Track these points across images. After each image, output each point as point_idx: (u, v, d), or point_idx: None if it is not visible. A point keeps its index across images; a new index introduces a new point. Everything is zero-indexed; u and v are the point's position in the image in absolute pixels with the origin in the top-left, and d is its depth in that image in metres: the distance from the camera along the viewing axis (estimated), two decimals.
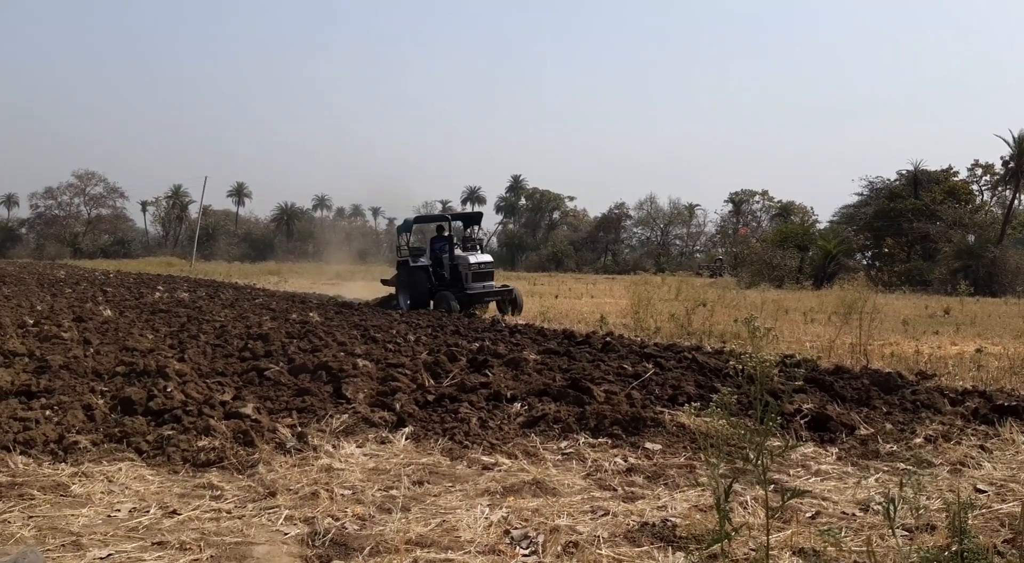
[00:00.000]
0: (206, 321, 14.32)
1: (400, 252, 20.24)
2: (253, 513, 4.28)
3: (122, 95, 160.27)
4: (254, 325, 13.52)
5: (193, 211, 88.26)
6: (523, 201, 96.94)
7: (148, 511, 4.28)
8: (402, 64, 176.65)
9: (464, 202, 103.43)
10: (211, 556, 3.68)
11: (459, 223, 21.16)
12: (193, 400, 6.71)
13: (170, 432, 5.77)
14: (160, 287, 26.02)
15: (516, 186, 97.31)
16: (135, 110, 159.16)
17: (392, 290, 20.61)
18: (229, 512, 4.31)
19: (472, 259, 18.43)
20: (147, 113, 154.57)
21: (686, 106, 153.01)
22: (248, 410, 6.31)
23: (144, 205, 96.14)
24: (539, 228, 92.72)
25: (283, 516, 4.21)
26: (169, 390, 6.94)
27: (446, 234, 19.85)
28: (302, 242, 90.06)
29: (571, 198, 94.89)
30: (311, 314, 16.02)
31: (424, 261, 19.19)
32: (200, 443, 5.48)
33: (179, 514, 4.24)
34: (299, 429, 5.96)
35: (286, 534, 3.98)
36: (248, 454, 5.32)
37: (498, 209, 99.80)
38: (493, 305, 19.06)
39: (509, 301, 18.55)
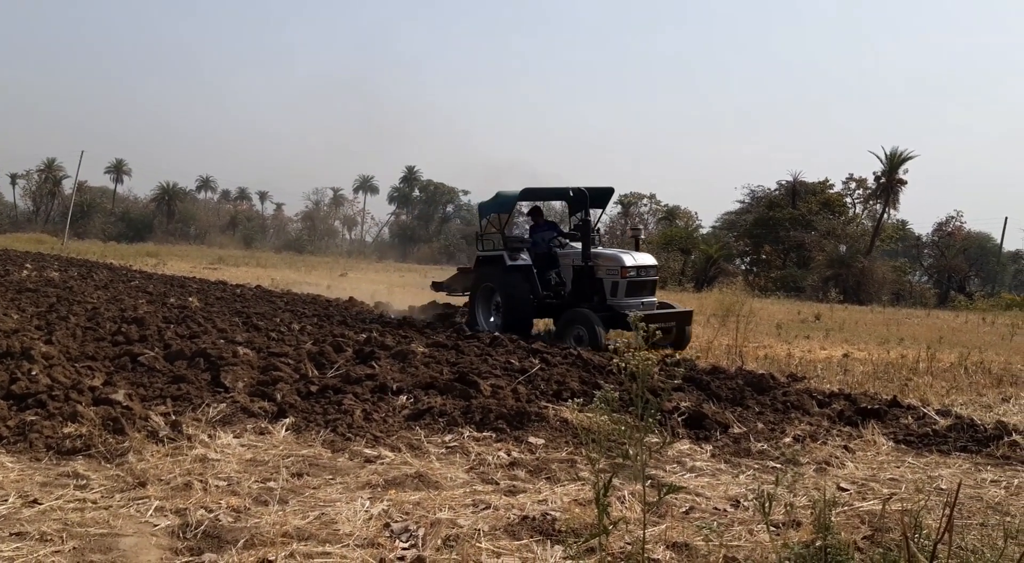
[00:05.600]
0: (77, 302, 13.65)
1: (482, 244, 13.69)
2: (121, 504, 4.11)
3: None
4: (129, 308, 12.97)
5: (67, 186, 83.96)
6: (417, 192, 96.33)
7: (6, 500, 4.05)
8: (290, 48, 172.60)
9: (356, 191, 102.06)
10: (74, 548, 3.51)
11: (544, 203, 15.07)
12: (60, 384, 6.38)
13: (33, 417, 5.47)
14: (28, 265, 24.62)
15: (410, 177, 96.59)
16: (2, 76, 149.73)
17: (443, 297, 15.64)
18: (95, 502, 4.12)
19: (627, 260, 12.00)
20: (18, 80, 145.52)
21: (581, 108, 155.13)
22: (119, 396, 6.05)
23: (14, 178, 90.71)
24: (432, 220, 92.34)
25: (153, 507, 4.05)
26: (34, 373, 6.58)
27: (548, 219, 14.45)
28: (183, 224, 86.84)
29: (465, 192, 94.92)
30: (190, 299, 15.49)
31: (525, 259, 12.80)
32: (66, 430, 5.22)
33: (40, 504, 4.04)
34: (173, 417, 5.74)
35: (155, 526, 3.84)
36: (118, 442, 5.11)
37: (391, 199, 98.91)
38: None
39: (676, 329, 12.03)
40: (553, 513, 4.18)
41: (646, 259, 12.34)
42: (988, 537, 3.95)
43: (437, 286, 15.51)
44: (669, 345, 11.60)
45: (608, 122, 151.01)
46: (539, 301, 12.43)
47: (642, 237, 13.72)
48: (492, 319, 12.99)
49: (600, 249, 12.80)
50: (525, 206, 15.16)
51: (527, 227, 14.31)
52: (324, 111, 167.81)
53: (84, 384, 6.43)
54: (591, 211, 13.54)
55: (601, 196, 13.64)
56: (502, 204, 13.41)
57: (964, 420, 6.94)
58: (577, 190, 13.13)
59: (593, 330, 11.11)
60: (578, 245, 12.52)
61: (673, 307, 12.60)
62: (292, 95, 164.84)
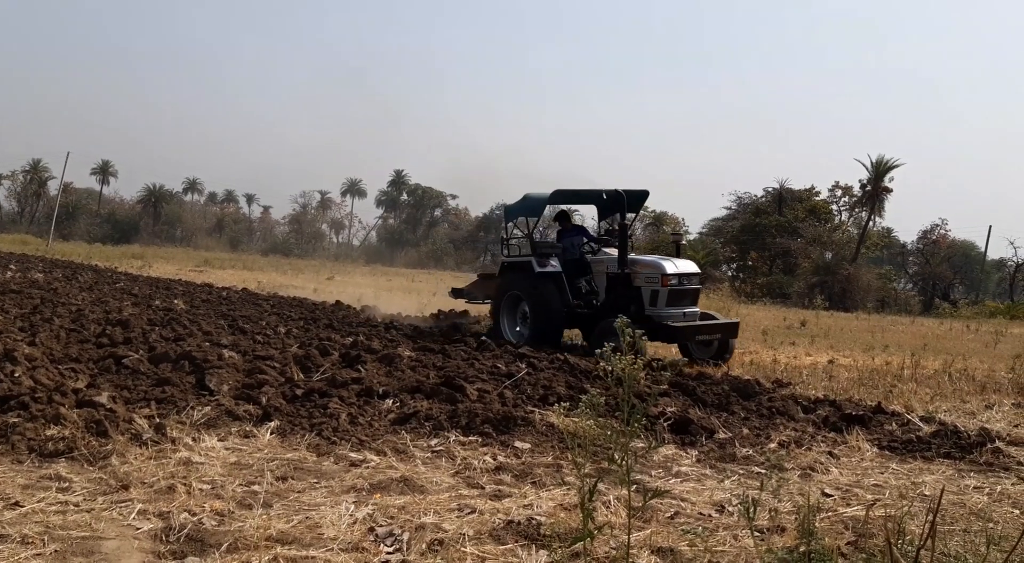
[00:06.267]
0: (61, 304, 13.56)
1: (507, 248, 13.13)
2: (103, 506, 4.08)
3: None
4: (114, 310, 12.90)
5: (53, 187, 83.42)
6: (405, 196, 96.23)
7: None
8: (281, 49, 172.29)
9: (344, 194, 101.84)
10: (55, 551, 3.48)
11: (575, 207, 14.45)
12: (43, 386, 6.34)
13: (16, 419, 5.42)
14: (12, 266, 24.44)
15: (399, 180, 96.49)
16: None
17: (463, 303, 15.13)
18: (77, 505, 4.09)
19: (669, 267, 11.22)
20: (3, 80, 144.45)
21: (571, 118, 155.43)
22: (103, 399, 6.00)
23: None
24: (420, 225, 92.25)
25: (136, 510, 4.03)
26: (17, 375, 6.53)
27: (576, 223, 13.65)
28: (169, 226, 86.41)
29: (453, 196, 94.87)
30: (176, 301, 15.42)
31: (555, 266, 12.08)
32: (49, 432, 5.17)
33: (22, 506, 4.00)
34: (157, 420, 5.71)
35: (138, 529, 3.81)
36: (101, 445, 5.07)
37: (379, 203, 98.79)
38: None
39: (720, 342, 11.51)
40: (538, 517, 4.18)
41: (688, 266, 11.56)
42: (971, 543, 3.97)
43: (457, 293, 14.84)
44: (712, 358, 11.17)
45: (592, 124, 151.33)
46: (569, 311, 11.74)
47: (683, 242, 12.90)
48: (518, 329, 12.31)
49: (637, 255, 12.05)
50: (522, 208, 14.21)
51: (557, 232, 13.54)
52: (314, 112, 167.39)
53: (68, 386, 6.38)
54: (615, 215, 12.93)
55: (635, 199, 12.76)
56: (530, 207, 12.69)
57: (948, 427, 6.98)
58: (613, 192, 12.38)
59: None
60: (612, 251, 11.88)
61: (716, 317, 11.92)
62: (282, 96, 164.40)
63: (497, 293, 12.68)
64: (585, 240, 12.81)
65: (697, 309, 11.61)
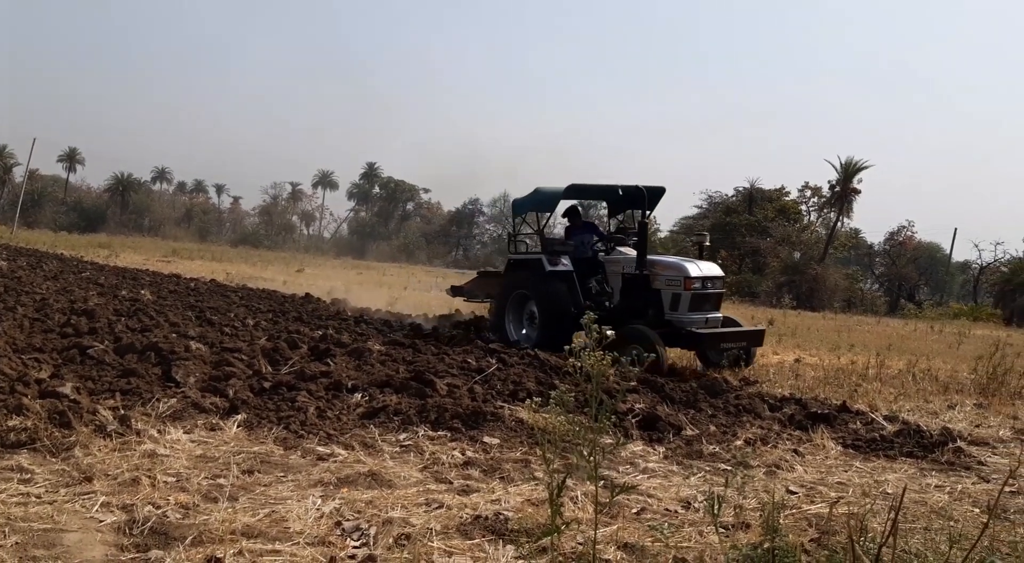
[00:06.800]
0: (25, 293, 13.33)
1: (515, 245, 12.54)
2: (66, 498, 4.02)
3: None
4: (79, 300, 12.72)
5: (18, 174, 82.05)
6: (377, 189, 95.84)
7: None
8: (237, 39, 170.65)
9: (315, 186, 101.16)
10: (16, 543, 3.43)
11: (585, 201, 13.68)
12: (5, 376, 6.22)
13: None
14: None
15: (371, 173, 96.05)
16: None
17: (465, 303, 14.59)
18: (39, 497, 4.03)
19: (692, 269, 10.52)
20: None
21: (541, 112, 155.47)
22: (67, 389, 5.91)
23: None
24: (391, 218, 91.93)
25: (99, 502, 3.97)
26: None
27: (585, 220, 13.02)
28: (137, 215, 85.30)
29: (426, 190, 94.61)
30: (143, 292, 15.23)
31: (566, 265, 11.44)
32: (10, 423, 5.08)
33: None
34: (122, 412, 5.63)
35: (101, 521, 3.76)
36: (64, 436, 4.99)
37: (350, 195, 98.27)
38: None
39: (743, 350, 10.95)
40: (506, 513, 4.18)
41: (712, 269, 10.86)
42: (932, 541, 4.04)
43: (456, 291, 14.18)
44: (732, 366, 10.61)
45: (565, 124, 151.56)
46: (581, 312, 10.65)
47: (707, 243, 12.23)
48: (524, 331, 11.66)
49: (657, 256, 11.46)
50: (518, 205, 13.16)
51: (566, 229, 12.80)
52: (285, 102, 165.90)
53: (30, 376, 6.28)
54: (626, 212, 12.59)
55: (653, 196, 11.87)
56: (542, 202, 12.03)
57: (911, 426, 7.08)
58: (633, 188, 11.82)
59: (655, 350, 9.22)
60: (627, 250, 11.36)
61: (739, 324, 11.22)
62: (253, 86, 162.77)
63: (503, 292, 11.99)
64: (596, 238, 12.19)
65: (720, 315, 10.93)
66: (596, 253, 11.84)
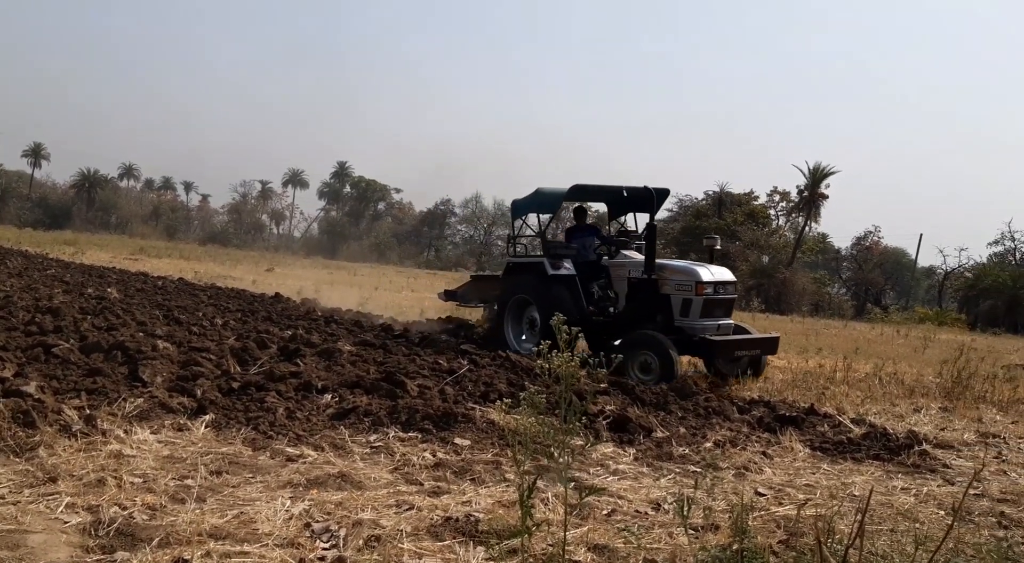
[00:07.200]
0: None
1: (513, 247, 12.11)
2: (30, 499, 3.95)
3: None
4: (44, 298, 12.53)
5: None
6: (348, 189, 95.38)
7: None
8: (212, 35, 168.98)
9: (285, 185, 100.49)
10: None
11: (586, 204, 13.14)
12: None
13: None
14: None
15: (342, 172, 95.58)
16: None
17: (457, 307, 14.29)
18: (3, 497, 3.96)
19: (704, 274, 10.17)
20: None
21: (517, 114, 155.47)
22: (30, 388, 5.81)
23: None
24: (363, 218, 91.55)
25: (64, 503, 3.91)
26: None
27: (588, 222, 12.65)
28: (104, 212, 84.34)
29: (397, 190, 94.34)
30: (109, 290, 15.04)
31: (569, 268, 11.06)
32: None
33: None
34: (88, 412, 5.54)
35: (66, 523, 3.70)
36: (28, 436, 4.90)
37: (321, 195, 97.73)
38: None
39: (752, 359, 10.47)
40: (477, 514, 4.17)
41: (724, 274, 10.48)
42: (898, 543, 4.09)
43: (449, 295, 13.79)
44: (741, 374, 10.15)
45: (531, 126, 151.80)
46: (583, 318, 10.38)
47: (717, 247, 11.84)
48: (524, 337, 11.30)
49: (670, 261, 11.22)
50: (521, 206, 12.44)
51: (566, 231, 12.39)
52: (255, 98, 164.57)
53: None
54: (628, 216, 12.26)
55: (659, 197, 11.32)
56: (544, 203, 11.59)
57: (877, 429, 7.17)
58: (642, 189, 11.31)
59: (667, 357, 9.10)
60: (632, 254, 11.05)
61: (749, 331, 10.76)
62: (223, 82, 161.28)
63: (502, 296, 11.57)
64: (598, 242, 11.74)
65: (731, 321, 10.53)
66: (599, 257, 11.46)
